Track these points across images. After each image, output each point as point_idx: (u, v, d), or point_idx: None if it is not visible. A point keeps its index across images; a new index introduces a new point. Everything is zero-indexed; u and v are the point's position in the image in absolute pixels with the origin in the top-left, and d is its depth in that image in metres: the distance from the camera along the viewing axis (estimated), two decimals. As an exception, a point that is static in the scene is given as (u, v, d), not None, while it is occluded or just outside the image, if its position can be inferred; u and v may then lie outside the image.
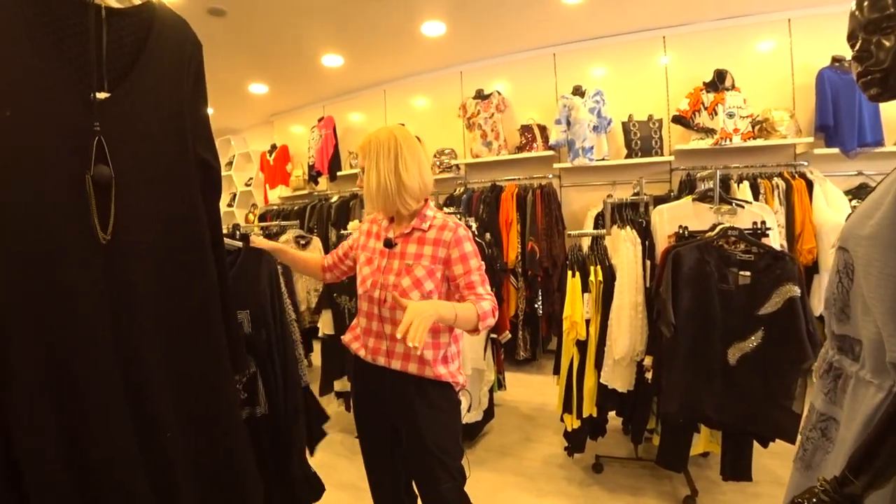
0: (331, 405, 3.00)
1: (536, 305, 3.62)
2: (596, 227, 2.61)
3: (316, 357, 3.27)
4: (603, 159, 3.72)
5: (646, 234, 2.00)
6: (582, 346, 2.05)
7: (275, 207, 5.62)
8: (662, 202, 2.17)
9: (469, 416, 2.54)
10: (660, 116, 3.67)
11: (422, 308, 1.10)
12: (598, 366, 2.01)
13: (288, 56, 4.26)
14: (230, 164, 6.86)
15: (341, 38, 3.94)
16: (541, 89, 4.19)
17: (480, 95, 4.22)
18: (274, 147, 5.97)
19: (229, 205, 6.86)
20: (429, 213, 1.33)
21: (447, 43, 4.07)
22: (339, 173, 5.22)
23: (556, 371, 2.41)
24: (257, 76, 4.83)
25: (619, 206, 2.19)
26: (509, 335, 2.99)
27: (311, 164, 5.34)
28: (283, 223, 4.12)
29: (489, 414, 2.76)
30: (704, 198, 1.95)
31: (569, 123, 3.73)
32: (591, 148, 3.66)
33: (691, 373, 1.75)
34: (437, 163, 4.54)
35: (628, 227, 2.01)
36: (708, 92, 3.46)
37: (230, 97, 5.44)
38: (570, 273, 2.03)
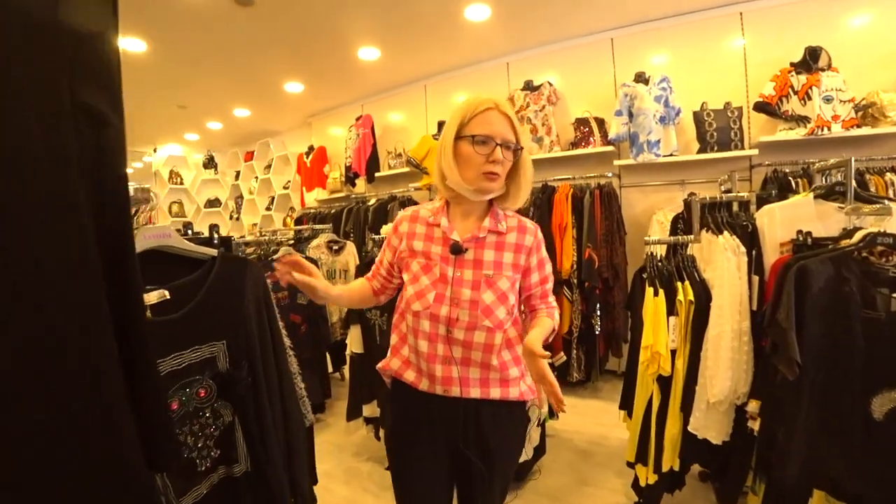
0: (359, 431, 2.68)
1: (594, 321, 3.18)
2: (674, 231, 2.16)
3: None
4: (671, 155, 3.25)
5: (751, 241, 1.56)
6: (665, 383, 1.63)
7: (311, 210, 5.43)
8: (763, 202, 1.71)
9: (517, 454, 2.16)
10: (739, 104, 3.16)
11: (538, 344, 1.00)
12: (686, 409, 1.59)
13: (321, 49, 4.01)
14: (269, 167, 6.78)
15: (377, 26, 3.65)
16: (597, 78, 3.75)
17: (530, 87, 3.83)
18: (311, 148, 5.81)
19: (268, 208, 6.79)
20: (499, 210, 1.13)
21: (492, 30, 3.71)
22: (377, 174, 4.96)
23: (625, 406, 2.00)
24: (292, 73, 4.64)
25: (709, 205, 1.74)
26: (564, 357, 2.58)
27: (347, 164, 5.10)
28: (316, 227, 3.89)
29: (540, 450, 2.36)
30: (831, 194, 1.49)
31: (631, 115, 3.28)
32: (658, 142, 3.20)
33: (819, 428, 1.30)
34: (481, 162, 4.18)
35: (727, 233, 1.57)
36: (798, 73, 2.93)
37: (267, 98, 5.32)
38: (649, 290, 1.61)
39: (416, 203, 4.20)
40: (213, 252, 1.14)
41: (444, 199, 1.15)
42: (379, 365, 1.21)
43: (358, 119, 5.08)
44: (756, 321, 1.49)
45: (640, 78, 3.29)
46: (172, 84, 4.81)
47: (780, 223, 1.51)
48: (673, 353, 1.58)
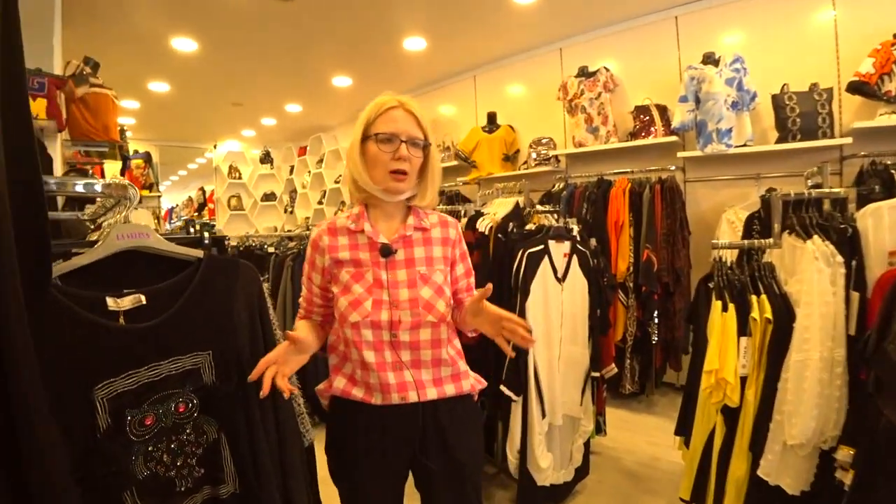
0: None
1: (650, 329, 2.88)
2: (748, 233, 1.86)
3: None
4: (745, 145, 2.87)
5: (850, 248, 1.26)
6: (731, 415, 1.36)
7: (359, 205, 5.37)
8: (865, 201, 1.39)
9: (557, 476, 1.95)
10: (828, 85, 2.74)
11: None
12: (756, 449, 1.32)
13: (367, 40, 3.92)
14: (321, 161, 6.86)
15: (422, 15, 3.50)
16: (660, 62, 3.41)
17: (584, 73, 3.54)
18: (361, 142, 5.75)
19: (319, 202, 6.86)
20: (418, 209, 1.13)
21: (543, 14, 3.46)
22: (422, 169, 4.81)
23: (682, 432, 1.73)
24: (339, 67, 4.59)
25: (794, 203, 1.45)
26: (615, 369, 2.32)
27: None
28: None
29: (583, 471, 2.13)
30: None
31: (698, 101, 2.94)
32: (730, 130, 2.84)
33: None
34: (533, 154, 3.94)
35: (817, 237, 1.28)
36: (906, 48, 2.49)
37: (316, 93, 5.34)
38: (717, 304, 1.35)
39: (466, 199, 4.11)
40: (199, 253, 1.02)
41: (361, 203, 1.11)
42: (319, 387, 1.14)
43: (406, 112, 4.96)
44: (854, 349, 1.20)
45: (709, 59, 2.93)
46: (225, 82, 4.91)
47: (889, 227, 1.20)
48: (743, 380, 1.31)
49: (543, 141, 3.93)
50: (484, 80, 4.61)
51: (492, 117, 4.28)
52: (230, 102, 5.65)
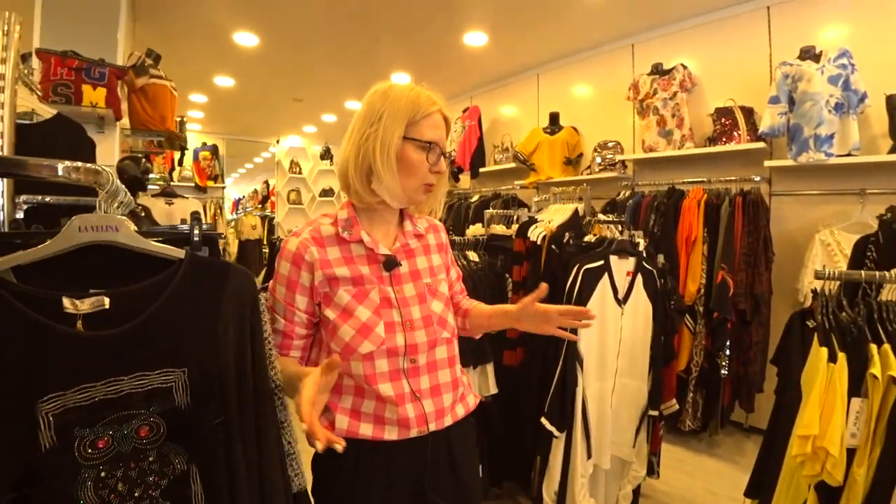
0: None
1: (720, 361, 2.52)
2: (858, 261, 1.51)
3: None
4: (849, 154, 2.45)
5: None
6: (830, 495, 1.05)
7: (411, 206, 5.27)
8: None
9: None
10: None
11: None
12: (867, 541, 1.01)
13: (426, 35, 3.78)
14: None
15: (483, 8, 3.31)
16: (746, 59, 3.02)
17: (658, 70, 3.21)
18: (417, 142, 5.66)
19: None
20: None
21: (614, 7, 3.17)
22: (481, 170, 4.65)
23: (753, 494, 1.42)
24: (398, 63, 4.49)
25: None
26: (676, 406, 2.02)
27: (451, 158, 4.84)
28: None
29: (633, 519, 1.84)
30: None
31: (792, 102, 2.55)
32: (831, 137, 2.43)
33: None
34: (598, 159, 3.64)
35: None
36: None
37: (375, 89, 5.26)
38: (821, 351, 1.05)
39: (522, 203, 3.88)
40: (179, 253, 0.86)
41: (349, 205, 0.94)
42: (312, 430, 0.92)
43: (465, 111, 4.82)
44: None
45: (808, 54, 2.53)
46: (286, 77, 4.95)
47: None
48: (851, 452, 1.01)
49: (609, 144, 3.62)
50: (548, 78, 4.36)
51: (554, 118, 4.02)
52: (291, 98, 5.72)
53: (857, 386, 1.01)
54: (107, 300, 0.78)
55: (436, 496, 0.92)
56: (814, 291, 1.27)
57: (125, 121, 3.02)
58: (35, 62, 2.53)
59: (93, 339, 0.74)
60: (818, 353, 1.06)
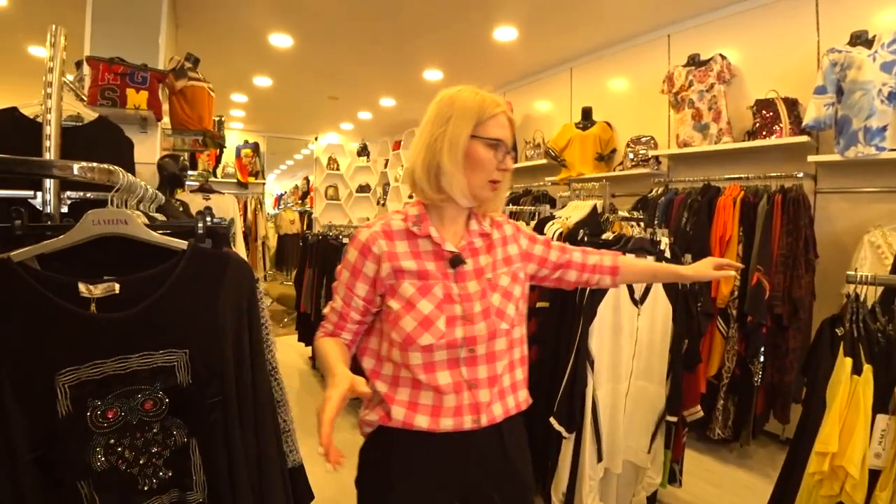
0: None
1: (754, 368, 2.40)
2: (901, 264, 1.40)
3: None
4: (903, 149, 2.28)
5: None
6: (853, 515, 0.98)
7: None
8: None
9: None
10: None
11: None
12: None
13: (457, 30, 3.76)
14: (414, 156, 6.85)
15: (513, 2, 3.25)
16: (791, 48, 2.84)
17: (695, 61, 3.07)
18: (449, 138, 5.66)
19: (410, 196, 6.86)
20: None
21: (651, -4, 3.05)
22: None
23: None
24: (430, 60, 4.49)
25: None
26: (700, 412, 1.93)
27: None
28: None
29: (652, 530, 1.78)
30: None
31: (840, 92, 2.38)
32: (883, 129, 2.26)
33: None
34: (630, 154, 3.54)
35: None
36: None
37: (409, 87, 5.33)
38: (845, 361, 0.98)
39: (552, 198, 3.83)
40: (182, 244, 0.91)
41: (420, 203, 0.98)
42: (365, 417, 0.97)
43: (495, 107, 4.77)
44: None
45: (859, 39, 2.36)
46: (321, 76, 5.04)
47: None
48: (874, 474, 0.93)
49: (643, 140, 3.50)
50: (581, 72, 4.26)
51: (586, 112, 3.92)
52: (327, 96, 5.82)
53: (884, 401, 0.93)
54: (117, 286, 0.86)
55: (488, 489, 0.96)
56: (848, 296, 1.19)
57: (166, 121, 3.17)
58: (86, 68, 2.68)
59: (104, 321, 0.84)
60: (843, 363, 0.98)
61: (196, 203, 3.44)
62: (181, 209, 2.73)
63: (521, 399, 1.01)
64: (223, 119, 4.34)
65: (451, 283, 0.93)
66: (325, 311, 1.00)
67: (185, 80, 3.13)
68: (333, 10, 3.47)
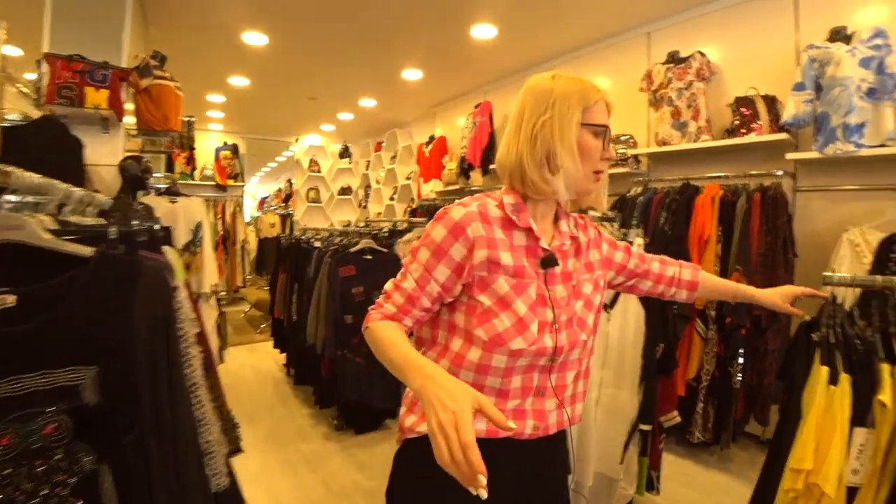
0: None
1: (733, 370, 2.34)
2: (882, 265, 1.34)
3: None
4: (883, 145, 2.23)
5: None
6: (831, 535, 0.91)
7: (426, 203, 5.21)
8: None
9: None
10: None
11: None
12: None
13: (433, 28, 3.67)
14: (395, 157, 6.76)
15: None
16: (770, 45, 2.80)
17: (674, 59, 3.02)
18: (432, 138, 5.59)
19: (391, 198, 6.77)
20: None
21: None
22: (491, 167, 4.52)
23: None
24: (407, 59, 4.40)
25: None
26: (677, 417, 1.86)
27: (462, 155, 4.74)
28: (413, 220, 3.62)
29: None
30: None
31: (819, 88, 2.34)
32: (861, 126, 2.22)
33: None
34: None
35: None
36: None
37: (388, 87, 5.24)
38: (821, 370, 0.91)
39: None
40: (87, 251, 0.81)
41: (515, 192, 0.88)
42: (409, 423, 0.87)
43: (477, 107, 4.71)
44: None
45: (838, 35, 2.32)
46: (298, 76, 4.93)
47: None
48: (852, 491, 0.86)
49: (622, 138, 3.44)
50: (562, 71, 4.18)
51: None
52: (306, 97, 5.71)
53: (863, 413, 0.86)
54: (11, 298, 0.76)
55: (534, 499, 0.91)
56: (827, 300, 1.12)
57: (132, 121, 3.05)
58: (45, 66, 2.57)
59: (-6, 338, 0.74)
60: (818, 372, 0.91)
61: (162, 206, 3.31)
62: (144, 213, 2.62)
63: (577, 412, 0.94)
64: (193, 119, 4.21)
65: (542, 283, 0.85)
66: (387, 287, 0.88)
67: (151, 78, 3.01)
68: (307, 9, 3.37)
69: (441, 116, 5.87)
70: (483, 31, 3.68)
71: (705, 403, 2.44)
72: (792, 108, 2.39)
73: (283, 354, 3.98)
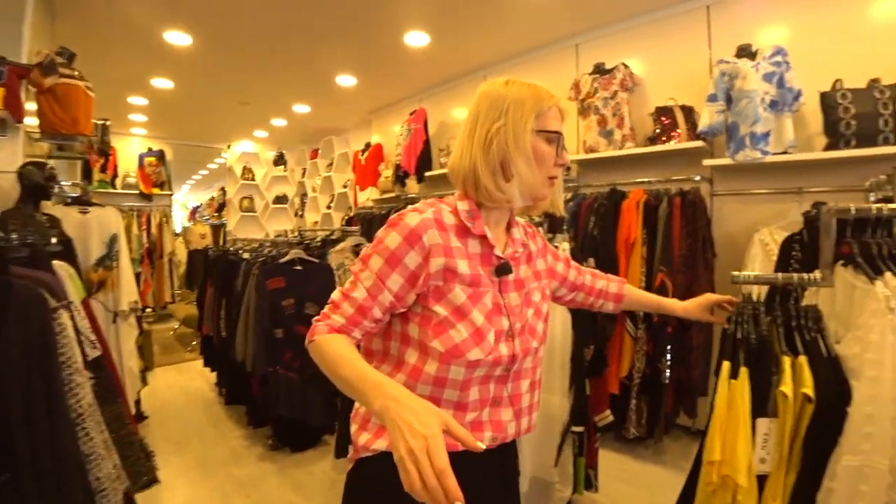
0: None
1: (661, 366, 2.44)
2: (785, 261, 1.43)
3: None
4: (785, 152, 2.42)
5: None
6: (747, 527, 0.95)
7: (363, 211, 5.12)
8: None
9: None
10: (893, 81, 2.26)
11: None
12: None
13: (367, 34, 3.62)
14: (331, 164, 6.62)
15: (423, 6, 3.18)
16: (687, 59, 2.98)
17: (600, 70, 3.14)
18: (368, 146, 5.51)
19: (328, 206, 6.61)
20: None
21: (557, 6, 3.09)
22: (427, 173, 4.52)
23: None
24: (342, 65, 4.32)
25: (854, 223, 1.03)
26: (610, 416, 1.91)
27: (397, 163, 4.70)
28: (346, 229, 3.52)
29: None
30: None
31: (729, 100, 2.51)
32: (766, 135, 2.39)
33: None
34: (542, 161, 3.55)
35: (890, 275, 0.87)
36: None
37: (323, 93, 5.12)
38: (725, 365, 0.95)
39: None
40: None
41: (469, 198, 0.87)
42: (378, 444, 0.82)
43: (411, 114, 4.69)
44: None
45: (744, 51, 2.50)
46: (227, 79, 4.72)
47: None
48: (762, 479, 0.90)
49: (555, 146, 3.53)
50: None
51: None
52: (236, 101, 5.47)
53: (763, 404, 0.91)
54: None
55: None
56: (743, 296, 1.18)
57: (36, 123, 2.78)
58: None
59: None
60: (723, 368, 0.95)
61: (71, 218, 3.04)
62: (48, 225, 2.39)
63: (533, 422, 0.94)
64: (109, 123, 3.91)
65: (496, 291, 0.85)
66: (335, 297, 0.83)
67: (56, 76, 2.76)
68: (233, 10, 3.22)
69: (377, 123, 5.81)
70: (416, 39, 3.67)
71: (638, 400, 2.53)
72: (706, 117, 2.54)
73: (215, 373, 3.76)
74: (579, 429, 1.58)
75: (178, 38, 3.68)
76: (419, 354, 0.81)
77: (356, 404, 0.88)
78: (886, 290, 0.86)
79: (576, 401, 1.56)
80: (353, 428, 0.87)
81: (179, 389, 3.85)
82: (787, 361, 0.91)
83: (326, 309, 0.83)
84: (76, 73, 2.85)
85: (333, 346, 0.76)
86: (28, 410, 0.75)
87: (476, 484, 0.82)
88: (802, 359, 0.90)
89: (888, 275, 0.89)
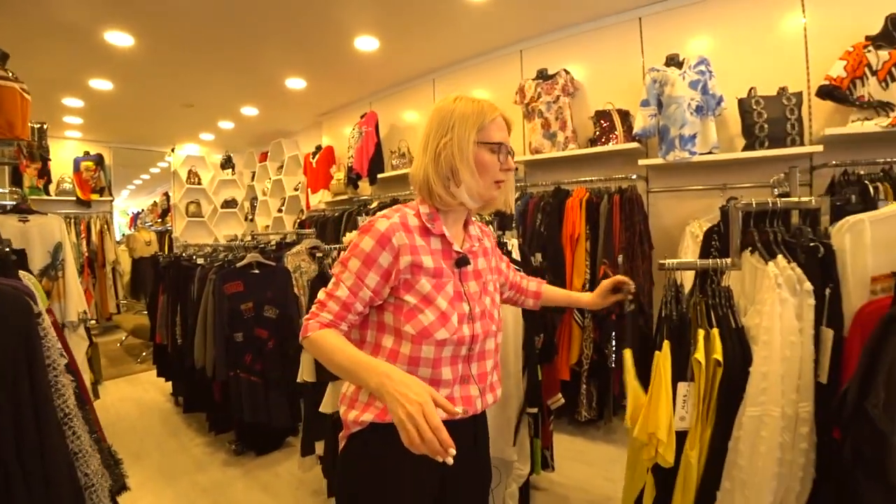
0: (316, 468, 2.27)
1: (608, 352, 2.64)
2: (707, 249, 1.62)
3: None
4: (710, 152, 2.67)
5: (823, 272, 1.02)
6: (665, 477, 1.10)
7: (315, 214, 5.11)
8: (842, 213, 1.16)
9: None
10: (797, 89, 2.56)
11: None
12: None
13: (315, 37, 3.65)
14: (281, 167, 6.54)
15: (372, 11, 3.25)
16: (623, 66, 3.21)
17: (543, 75, 3.32)
18: (318, 148, 5.50)
19: (279, 210, 6.53)
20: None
21: (503, 14, 3.24)
22: (379, 176, 4.58)
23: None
24: (290, 68, 4.30)
25: (756, 215, 1.21)
26: (561, 399, 2.06)
27: (349, 165, 4.73)
28: (301, 231, 3.54)
29: (523, 517, 1.85)
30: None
31: (660, 105, 2.73)
32: (693, 137, 2.63)
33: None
34: (491, 162, 3.69)
35: (782, 258, 1.04)
36: (878, 48, 2.32)
37: (271, 96, 5.06)
38: (658, 339, 1.10)
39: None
40: None
41: (429, 203, 1.01)
42: (365, 417, 0.93)
43: (362, 117, 4.74)
44: (826, 405, 0.95)
45: (672, 61, 2.73)
46: (171, 81, 4.58)
47: (872, 246, 0.97)
48: (683, 435, 1.05)
49: (504, 147, 3.69)
50: (443, 83, 4.38)
51: (453, 123, 4.03)
52: (180, 103, 5.32)
53: (682, 370, 1.07)
54: None
55: (462, 474, 1.00)
56: (671, 282, 1.34)
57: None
58: None
59: None
60: (658, 342, 1.10)
61: (9, 227, 2.91)
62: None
63: (498, 396, 1.08)
64: (45, 126, 3.74)
65: (458, 281, 0.99)
66: (321, 297, 0.95)
67: (-14, 79, 2.64)
68: (178, 11, 3.17)
69: (328, 126, 5.80)
70: (365, 43, 3.73)
71: (588, 385, 2.71)
72: (640, 121, 2.75)
73: (169, 383, 3.68)
74: (533, 410, 1.72)
75: (119, 38, 3.57)
76: (395, 338, 0.94)
77: (344, 389, 1.00)
78: (776, 269, 1.03)
79: (529, 384, 1.70)
80: (342, 409, 0.98)
81: (133, 402, 3.73)
82: (701, 333, 1.07)
83: (314, 308, 0.95)
84: (10, 74, 2.74)
85: (327, 339, 0.89)
86: (15, 410, 0.78)
87: (459, 450, 0.97)
88: (715, 331, 1.06)
89: (780, 257, 1.06)
